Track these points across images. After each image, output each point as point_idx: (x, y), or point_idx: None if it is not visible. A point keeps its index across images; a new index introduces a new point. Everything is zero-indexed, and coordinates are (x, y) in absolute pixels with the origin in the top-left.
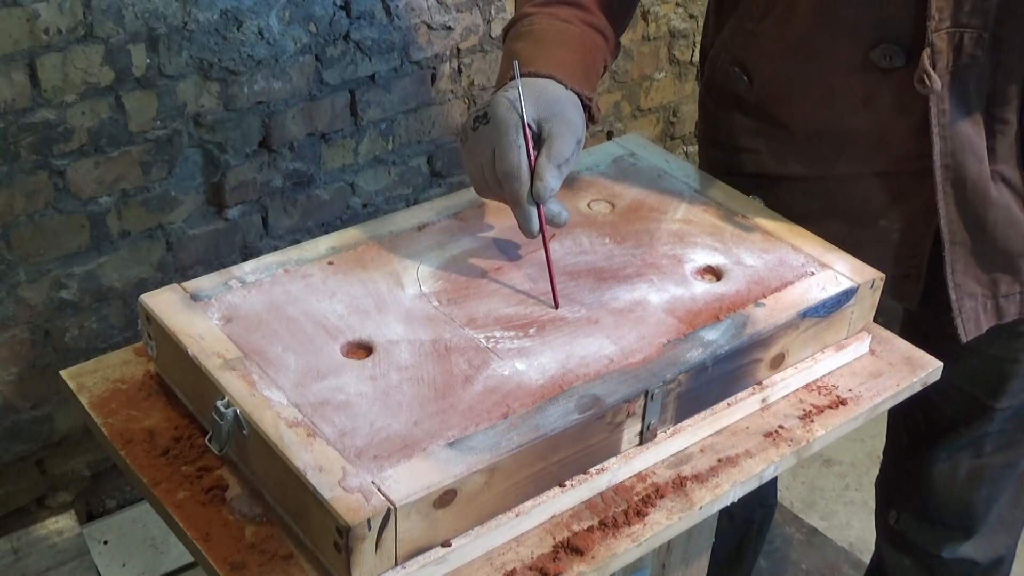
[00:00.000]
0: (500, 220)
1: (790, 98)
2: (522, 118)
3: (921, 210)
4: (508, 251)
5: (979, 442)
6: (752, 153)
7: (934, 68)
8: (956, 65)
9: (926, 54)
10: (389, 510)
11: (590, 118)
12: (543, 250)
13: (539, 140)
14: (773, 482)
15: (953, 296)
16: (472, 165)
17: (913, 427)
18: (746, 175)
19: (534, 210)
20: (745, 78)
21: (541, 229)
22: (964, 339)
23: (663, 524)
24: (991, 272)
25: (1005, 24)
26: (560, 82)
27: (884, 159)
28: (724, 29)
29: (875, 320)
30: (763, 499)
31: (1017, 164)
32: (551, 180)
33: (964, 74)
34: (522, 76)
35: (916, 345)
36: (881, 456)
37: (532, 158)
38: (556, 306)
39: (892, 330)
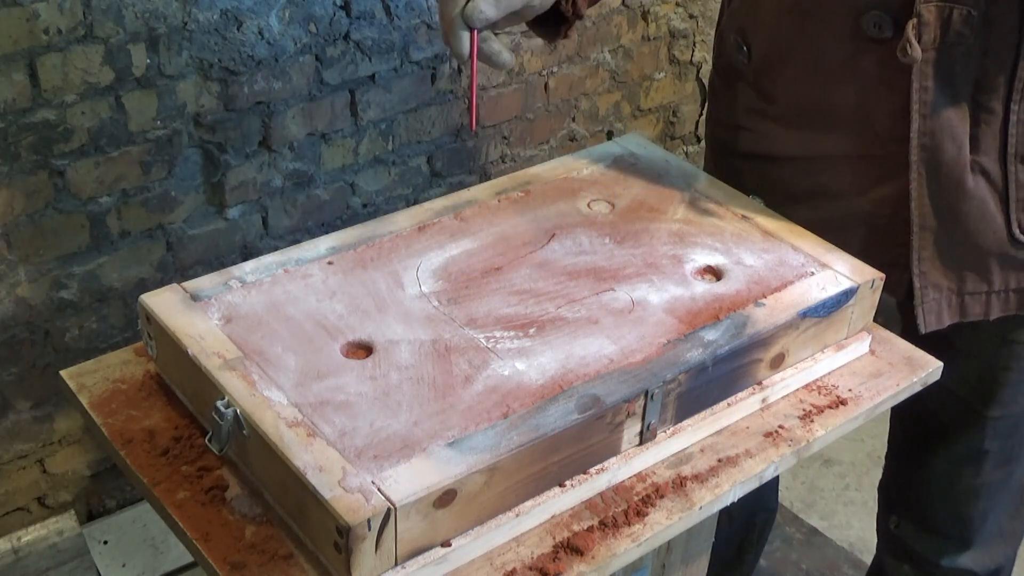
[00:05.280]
0: (500, 220)
1: (782, 68)
2: None
3: (904, 196)
4: (508, 251)
5: (978, 461)
6: (748, 131)
7: (919, 41)
8: (943, 42)
9: (912, 24)
10: (389, 510)
11: (573, 7)
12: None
13: None
14: (774, 486)
15: (916, 284)
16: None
17: (910, 431)
18: (743, 155)
19: (465, 34)
20: (745, 48)
21: (472, 55)
22: (923, 330)
23: (663, 524)
24: (959, 267)
25: (995, 4)
26: None
27: (868, 139)
28: (733, 1)
29: (875, 320)
30: (764, 502)
31: (999, 157)
32: (483, 4)
33: (951, 53)
34: None
35: (915, 344)
36: (880, 456)
37: None
38: (472, 128)
39: (892, 330)
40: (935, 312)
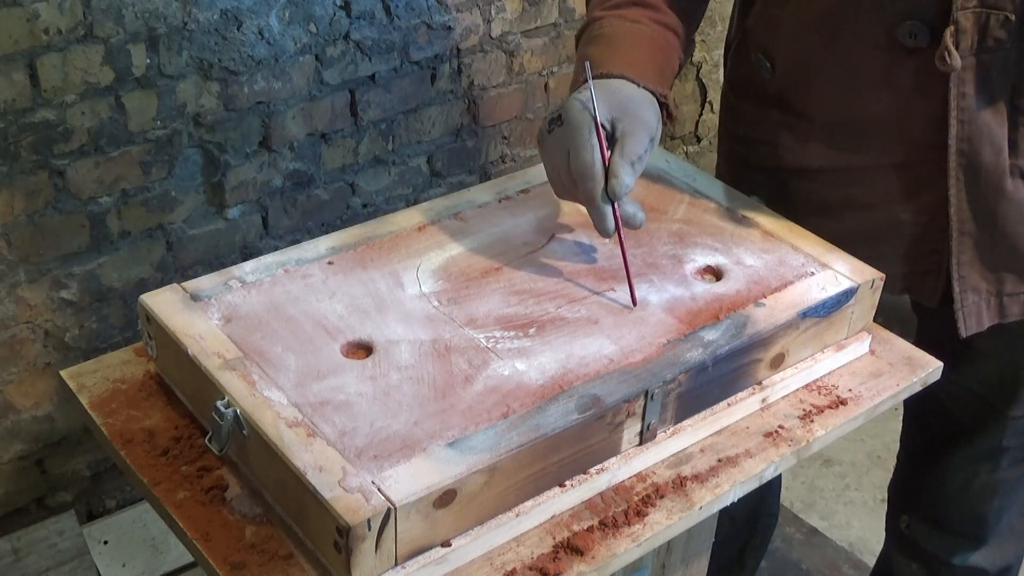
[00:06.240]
0: (500, 220)
1: (811, 82)
2: (595, 118)
3: (941, 203)
4: (508, 251)
5: (996, 457)
6: (773, 146)
7: (957, 48)
8: (981, 48)
9: (949, 32)
10: (389, 510)
11: (668, 116)
12: (619, 251)
13: (612, 139)
14: (776, 492)
15: (956, 288)
16: (549, 167)
17: (927, 432)
18: (765, 168)
19: (609, 209)
20: (768, 64)
21: (617, 228)
22: (963, 334)
23: (663, 524)
24: (997, 268)
25: None
26: (633, 81)
27: (904, 148)
28: (749, 17)
29: (875, 320)
30: (767, 508)
31: None
32: (625, 177)
33: (988, 58)
34: (595, 78)
35: (932, 346)
36: (880, 456)
37: (606, 157)
38: (634, 304)
39: (892, 330)
40: (975, 315)
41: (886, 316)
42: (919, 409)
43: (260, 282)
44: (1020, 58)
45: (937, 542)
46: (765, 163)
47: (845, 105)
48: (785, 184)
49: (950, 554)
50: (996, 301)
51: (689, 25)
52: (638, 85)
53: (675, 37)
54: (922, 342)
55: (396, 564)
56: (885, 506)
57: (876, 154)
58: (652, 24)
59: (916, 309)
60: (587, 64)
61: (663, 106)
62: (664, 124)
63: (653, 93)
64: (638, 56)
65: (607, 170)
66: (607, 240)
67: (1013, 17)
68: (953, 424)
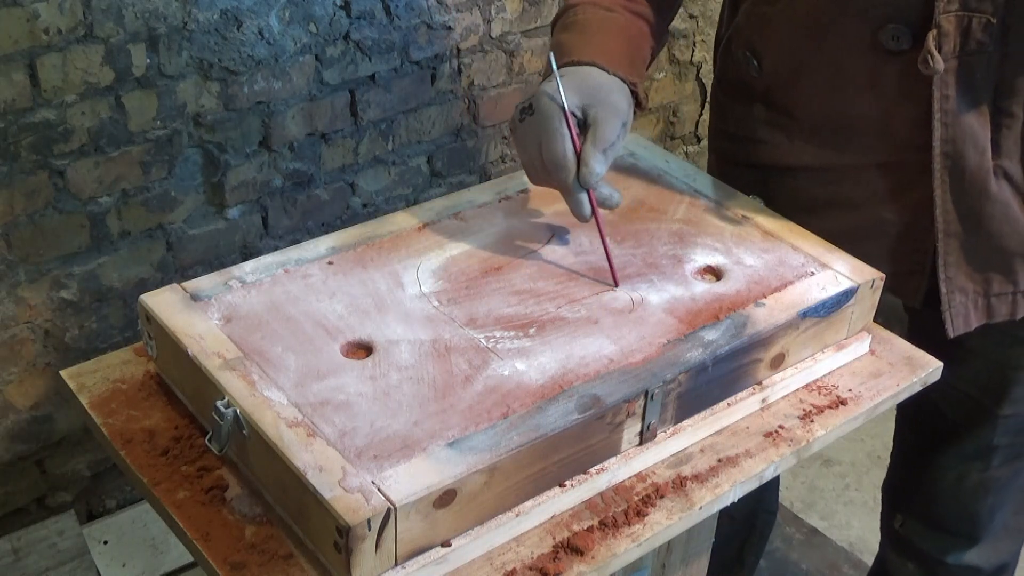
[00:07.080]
0: (500, 220)
1: (798, 82)
2: (563, 107)
3: (925, 203)
4: (508, 251)
5: (987, 455)
6: (759, 143)
7: (940, 51)
8: (963, 50)
9: (932, 35)
10: (389, 510)
11: (638, 104)
12: (598, 235)
13: (585, 126)
14: (775, 488)
15: (943, 289)
16: (523, 156)
17: (919, 431)
18: (753, 166)
19: (584, 195)
20: (755, 63)
21: (594, 212)
22: (951, 334)
23: (663, 524)
24: (984, 269)
25: (1015, 12)
26: (603, 68)
27: (888, 148)
28: (738, 15)
29: (875, 320)
30: (765, 505)
31: (1020, 159)
32: (596, 165)
33: (971, 61)
34: (565, 65)
35: (922, 346)
36: (880, 456)
37: (577, 145)
38: (616, 284)
39: (892, 330)
40: (962, 315)
41: (886, 316)
42: (911, 409)
43: (260, 282)
44: (1002, 60)
45: (932, 541)
46: (752, 160)
47: (831, 105)
48: (771, 182)
49: (945, 553)
50: (984, 302)
51: (663, 15)
52: (608, 72)
53: (648, 26)
54: (913, 341)
55: (396, 564)
56: None
57: (861, 154)
58: (625, 13)
59: (907, 308)
60: (551, 54)
61: (634, 94)
62: (635, 113)
63: (624, 81)
64: (610, 44)
65: (579, 158)
66: (599, 238)
67: (994, 20)
68: (944, 423)
